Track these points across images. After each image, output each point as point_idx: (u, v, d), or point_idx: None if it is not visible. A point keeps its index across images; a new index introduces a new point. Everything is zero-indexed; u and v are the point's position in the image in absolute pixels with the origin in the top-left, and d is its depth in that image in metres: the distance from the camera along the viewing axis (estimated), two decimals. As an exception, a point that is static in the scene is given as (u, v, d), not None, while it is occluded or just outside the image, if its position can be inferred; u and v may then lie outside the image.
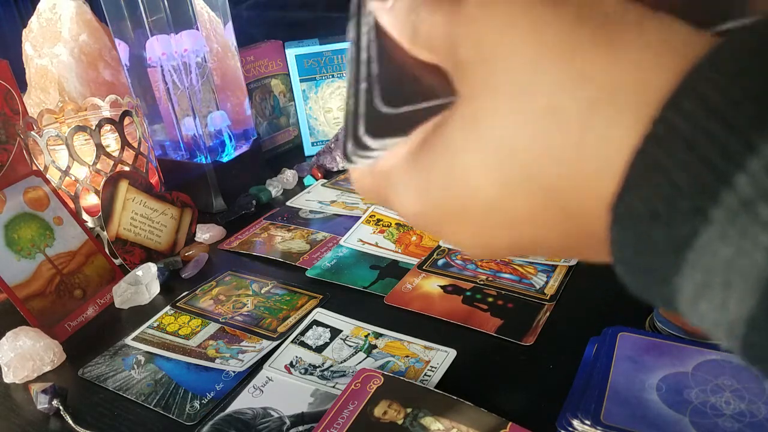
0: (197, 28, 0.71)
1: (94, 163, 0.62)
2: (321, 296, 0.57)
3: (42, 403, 0.46)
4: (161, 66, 0.71)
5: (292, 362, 0.48)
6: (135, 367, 0.50)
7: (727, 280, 0.13)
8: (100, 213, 0.62)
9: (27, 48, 0.83)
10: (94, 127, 0.61)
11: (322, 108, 0.92)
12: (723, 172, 0.13)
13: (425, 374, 0.46)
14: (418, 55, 0.20)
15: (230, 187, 0.78)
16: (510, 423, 0.40)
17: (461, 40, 0.18)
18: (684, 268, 0.14)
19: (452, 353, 0.47)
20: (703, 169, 0.13)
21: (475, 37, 0.18)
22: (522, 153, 0.17)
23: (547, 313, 0.51)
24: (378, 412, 0.42)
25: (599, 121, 0.15)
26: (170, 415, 0.45)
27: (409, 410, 0.42)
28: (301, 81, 0.90)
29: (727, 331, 0.14)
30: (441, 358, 0.47)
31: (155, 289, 0.60)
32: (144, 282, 0.60)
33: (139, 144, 0.66)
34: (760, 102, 0.13)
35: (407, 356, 0.48)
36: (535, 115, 0.16)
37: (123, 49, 0.74)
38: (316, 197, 0.79)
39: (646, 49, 0.15)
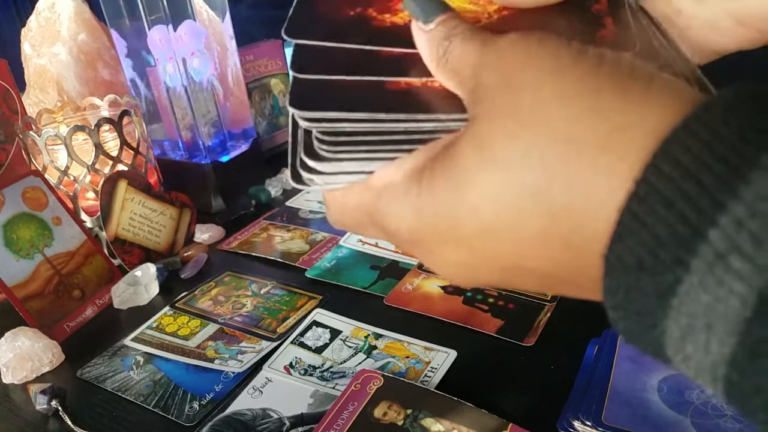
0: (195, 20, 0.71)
1: (93, 163, 0.62)
2: (321, 297, 0.57)
3: (41, 403, 0.46)
4: (159, 61, 0.71)
5: (291, 363, 0.48)
6: (134, 367, 0.50)
7: (709, 322, 0.15)
8: (98, 213, 0.62)
9: (26, 47, 0.82)
10: (93, 127, 0.61)
11: (322, 108, 0.92)
12: (698, 227, 0.15)
13: (425, 375, 0.46)
14: (439, 75, 0.23)
15: (229, 187, 0.78)
16: (511, 424, 0.40)
17: (489, 67, 0.20)
18: (670, 312, 0.16)
19: (453, 354, 0.47)
20: (681, 224, 0.15)
21: (504, 66, 0.20)
22: (533, 177, 0.18)
23: (548, 314, 0.51)
24: (378, 413, 0.42)
25: (610, 155, 0.17)
26: (169, 416, 0.45)
27: (409, 411, 0.41)
28: (301, 80, 0.89)
29: (711, 374, 0.15)
30: (441, 358, 0.47)
31: (154, 289, 0.60)
32: (143, 282, 0.59)
33: (138, 144, 0.66)
34: (729, 165, 0.14)
35: (407, 357, 0.48)
36: (553, 141, 0.18)
37: (121, 46, 0.74)
38: (315, 197, 0.78)
39: (651, 102, 0.17)
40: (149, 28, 0.69)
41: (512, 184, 0.19)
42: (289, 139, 0.25)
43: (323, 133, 0.23)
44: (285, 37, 0.24)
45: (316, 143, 0.23)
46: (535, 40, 0.20)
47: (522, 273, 0.21)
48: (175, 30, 0.69)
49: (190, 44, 0.71)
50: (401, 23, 0.25)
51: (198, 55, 0.72)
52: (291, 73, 0.24)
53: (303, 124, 0.23)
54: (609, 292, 0.17)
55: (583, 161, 0.17)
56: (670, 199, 0.15)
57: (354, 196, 0.24)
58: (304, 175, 0.24)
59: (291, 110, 0.23)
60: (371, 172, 0.23)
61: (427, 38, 0.23)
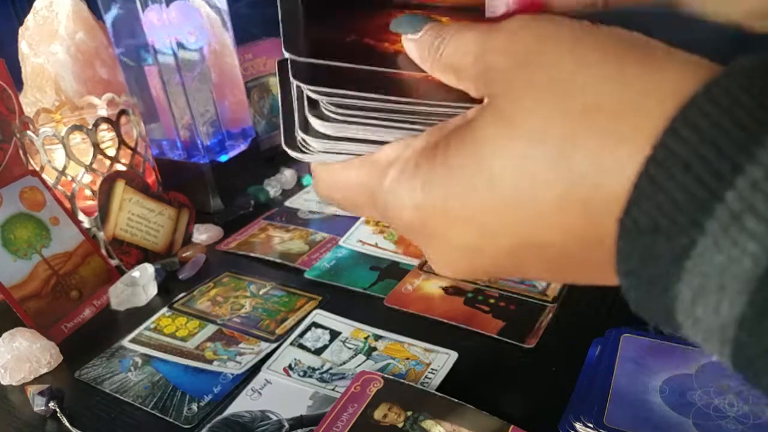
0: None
1: (91, 163, 0.62)
2: (320, 298, 0.56)
3: (38, 405, 0.46)
4: (155, 47, 0.70)
5: (290, 365, 0.48)
6: (132, 369, 0.50)
7: (721, 283, 0.15)
8: (96, 213, 0.62)
9: (23, 46, 0.82)
10: (90, 126, 0.61)
11: (321, 107, 0.91)
12: (715, 190, 0.15)
13: (426, 377, 0.45)
14: (435, 73, 0.23)
15: (228, 186, 0.77)
16: (512, 426, 0.39)
17: (498, 51, 0.20)
18: (683, 275, 0.16)
19: (453, 355, 0.47)
20: (699, 187, 0.15)
21: (517, 47, 0.20)
22: (555, 147, 0.18)
23: (550, 315, 0.50)
24: (378, 415, 0.41)
25: (631, 122, 0.17)
26: (167, 418, 0.44)
27: (409, 413, 0.41)
28: (300, 80, 0.89)
29: (720, 336, 0.16)
30: (442, 360, 0.47)
31: (152, 290, 0.60)
32: (141, 283, 0.59)
33: (136, 143, 0.66)
34: (747, 131, 0.15)
35: (408, 358, 0.47)
36: (575, 113, 0.18)
37: (118, 44, 0.73)
38: (315, 197, 0.78)
39: (671, 69, 0.17)
40: (143, 10, 0.68)
41: (534, 155, 0.19)
42: (282, 102, 0.24)
43: (331, 103, 0.22)
44: (286, 53, 0.23)
45: (323, 105, 0.22)
46: (547, 19, 0.20)
47: (531, 253, 0.21)
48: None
49: (185, 23, 0.70)
50: (402, 50, 0.24)
51: (194, 32, 0.71)
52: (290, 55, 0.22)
53: (311, 95, 0.22)
54: (623, 257, 0.18)
55: (605, 130, 0.18)
56: (688, 162, 0.15)
57: (354, 172, 0.24)
58: (305, 138, 0.22)
59: (296, 82, 0.22)
60: (378, 143, 0.23)
61: (416, 44, 0.23)
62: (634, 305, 0.18)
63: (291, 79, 0.22)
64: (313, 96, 0.22)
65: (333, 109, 0.22)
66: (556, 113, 0.18)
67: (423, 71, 0.23)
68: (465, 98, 0.22)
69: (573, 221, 0.19)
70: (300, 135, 0.22)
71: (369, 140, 0.22)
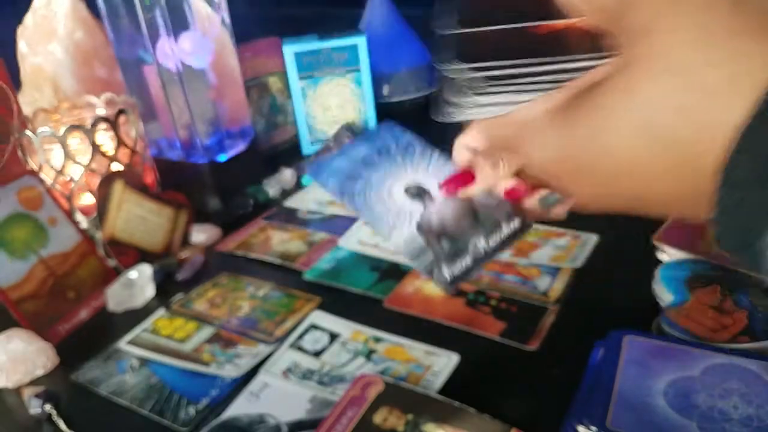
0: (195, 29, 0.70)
1: (89, 163, 0.61)
2: (319, 299, 0.56)
3: (34, 407, 0.45)
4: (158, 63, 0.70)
5: (289, 367, 0.47)
6: (129, 371, 0.49)
7: None
8: (94, 213, 0.61)
9: (21, 45, 0.82)
10: (89, 126, 0.60)
11: (321, 106, 0.91)
12: None
13: (426, 379, 0.45)
14: (589, 16, 0.25)
15: (227, 186, 0.77)
16: (513, 429, 0.39)
17: (633, 7, 0.22)
18: None
19: (454, 358, 0.46)
20: None
21: (647, 7, 0.21)
22: (668, 117, 0.20)
23: (552, 317, 0.50)
24: (378, 419, 0.41)
25: (742, 94, 0.19)
26: (164, 421, 0.44)
27: (410, 417, 0.41)
28: (300, 79, 0.89)
29: None
30: (443, 362, 0.46)
31: (150, 291, 0.60)
32: (138, 284, 0.59)
33: (135, 143, 0.65)
34: None
35: (408, 361, 0.47)
36: (693, 88, 0.20)
37: (117, 44, 0.73)
38: (314, 197, 0.78)
39: None
40: (147, 26, 0.68)
41: (648, 127, 0.21)
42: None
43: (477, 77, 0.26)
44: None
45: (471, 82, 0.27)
46: None
47: (650, 200, 0.24)
48: (174, 33, 0.68)
49: (195, 51, 0.70)
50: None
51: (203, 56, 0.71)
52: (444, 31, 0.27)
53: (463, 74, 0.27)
54: (720, 203, 0.19)
55: (716, 106, 0.19)
56: None
57: (494, 126, 0.29)
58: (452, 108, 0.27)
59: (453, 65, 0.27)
60: (515, 104, 0.27)
61: None
62: (724, 246, 0.20)
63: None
64: (467, 74, 0.26)
65: (481, 84, 0.27)
66: (675, 89, 0.20)
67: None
68: (598, 48, 0.24)
69: (683, 179, 0.21)
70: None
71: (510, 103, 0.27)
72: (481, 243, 0.36)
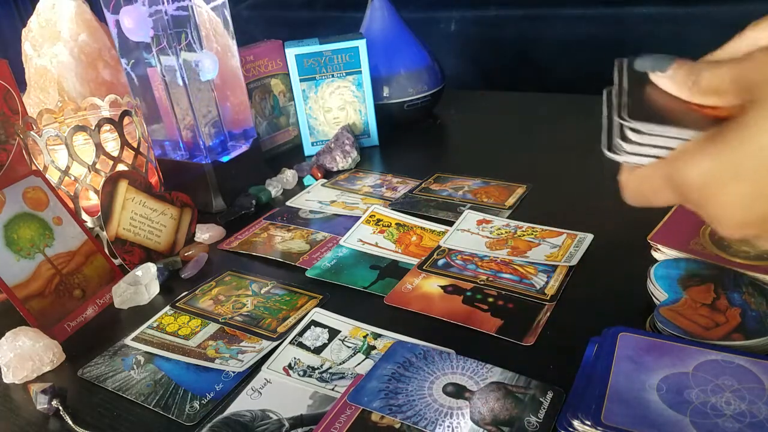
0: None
1: (94, 163, 0.62)
2: (321, 296, 0.57)
3: (41, 403, 0.46)
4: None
5: (290, 364, 0.48)
6: (134, 367, 0.50)
7: None
8: (99, 213, 0.62)
9: (26, 48, 0.82)
10: (93, 127, 0.61)
11: (322, 108, 0.92)
12: None
13: (425, 375, 0.46)
14: (695, 98, 0.31)
15: (230, 187, 0.78)
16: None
17: (755, 72, 0.28)
18: None
19: (452, 354, 0.47)
20: None
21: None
22: None
23: (548, 314, 0.51)
24: (376, 416, 0.42)
25: None
26: (170, 416, 0.45)
27: (408, 411, 0.41)
28: (301, 81, 0.89)
29: None
30: (441, 358, 0.47)
31: (155, 289, 0.60)
32: (143, 282, 0.59)
33: (139, 144, 0.66)
34: None
35: (407, 357, 0.48)
36: None
37: (121, 46, 0.73)
38: (315, 197, 0.78)
39: None
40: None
41: None
42: (606, 121, 0.33)
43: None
44: (626, 119, 0.31)
45: (630, 133, 0.31)
46: None
47: None
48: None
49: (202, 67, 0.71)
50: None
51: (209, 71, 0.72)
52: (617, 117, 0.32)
53: (632, 125, 0.31)
54: None
55: None
56: None
57: (653, 168, 0.31)
58: (620, 143, 0.32)
59: (627, 122, 0.31)
60: (671, 149, 0.31)
61: (670, 81, 0.32)
62: None
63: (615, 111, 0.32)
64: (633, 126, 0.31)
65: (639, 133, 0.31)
66: None
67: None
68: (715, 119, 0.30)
69: None
70: (616, 140, 0.32)
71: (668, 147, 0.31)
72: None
